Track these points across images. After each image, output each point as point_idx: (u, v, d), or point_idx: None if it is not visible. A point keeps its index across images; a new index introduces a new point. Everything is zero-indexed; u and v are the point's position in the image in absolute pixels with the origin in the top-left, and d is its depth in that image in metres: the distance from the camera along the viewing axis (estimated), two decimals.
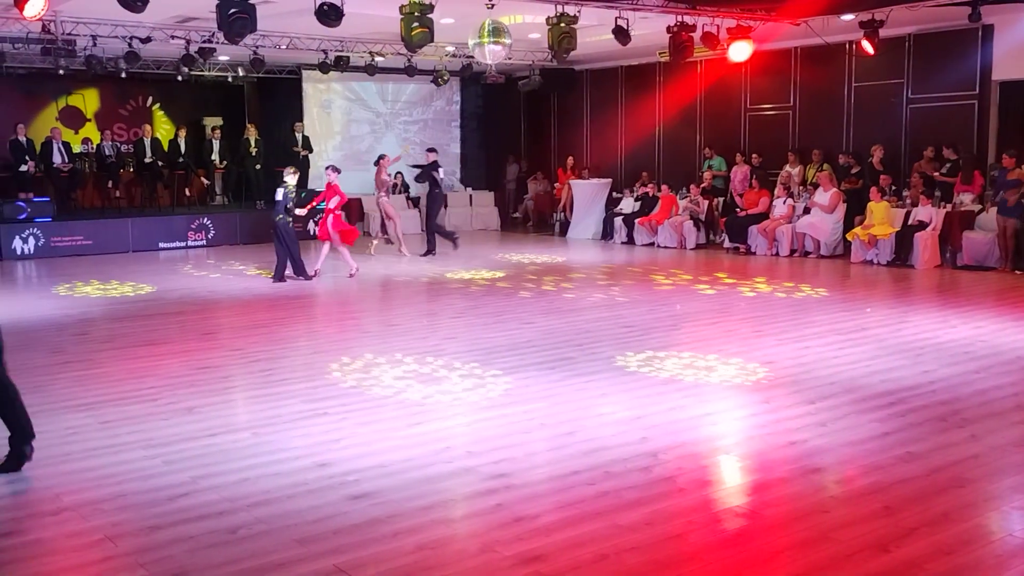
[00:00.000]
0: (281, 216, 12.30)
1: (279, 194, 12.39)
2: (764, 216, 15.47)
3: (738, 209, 15.98)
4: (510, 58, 14.67)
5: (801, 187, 15.76)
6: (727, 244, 15.92)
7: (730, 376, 7.34)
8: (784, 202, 15.30)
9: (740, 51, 13.73)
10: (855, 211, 14.64)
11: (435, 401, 6.63)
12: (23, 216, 15.61)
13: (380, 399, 6.70)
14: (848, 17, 13.65)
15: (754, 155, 16.73)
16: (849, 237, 14.26)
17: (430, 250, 15.40)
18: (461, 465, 5.30)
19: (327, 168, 13.44)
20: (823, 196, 14.73)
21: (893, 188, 14.52)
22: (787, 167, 16.11)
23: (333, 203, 12.88)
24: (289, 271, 12.54)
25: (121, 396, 6.82)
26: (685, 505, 4.75)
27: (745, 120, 17.56)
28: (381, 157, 15.49)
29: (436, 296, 11.37)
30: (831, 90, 16.12)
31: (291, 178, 12.55)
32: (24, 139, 17.02)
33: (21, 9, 9.18)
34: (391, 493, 4.86)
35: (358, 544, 4.26)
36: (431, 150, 16.10)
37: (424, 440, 5.75)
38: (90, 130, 19.73)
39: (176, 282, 12.66)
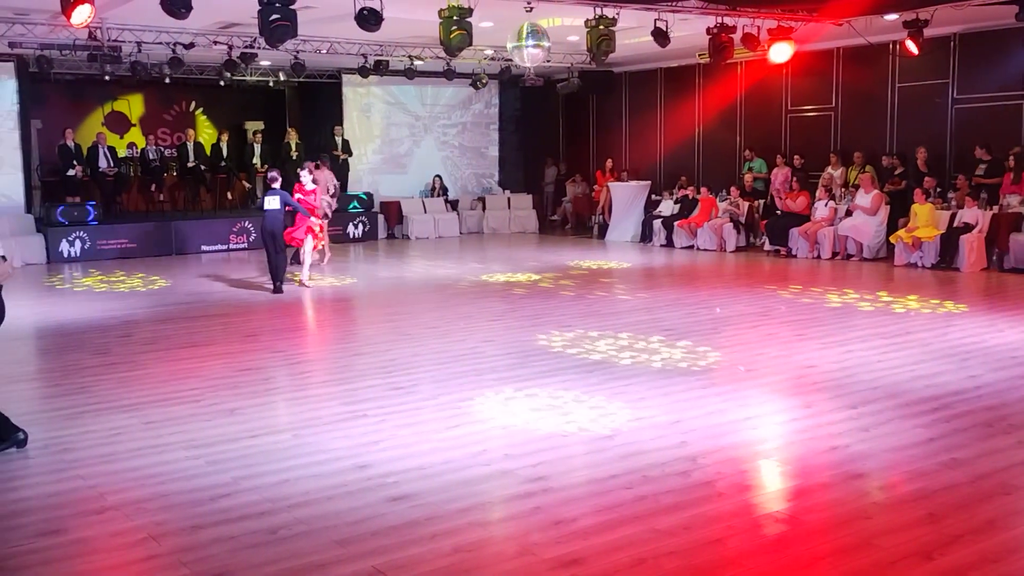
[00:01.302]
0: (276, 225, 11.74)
1: (274, 201, 11.63)
2: (805, 218, 15.31)
3: (778, 211, 15.83)
4: (549, 61, 14.67)
5: (843, 189, 15.58)
6: (767, 247, 15.78)
7: (770, 380, 7.27)
8: (826, 204, 15.13)
9: (781, 52, 13.61)
10: (899, 213, 14.43)
11: (473, 404, 6.64)
12: (70, 220, 15.90)
13: (419, 401, 6.72)
14: (892, 17, 13.47)
15: (795, 157, 16.57)
16: (892, 240, 14.06)
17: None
18: (499, 468, 5.30)
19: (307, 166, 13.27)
20: (865, 198, 14.54)
21: (938, 190, 14.29)
22: (829, 169, 15.92)
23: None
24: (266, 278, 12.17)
25: (164, 397, 6.91)
26: (724, 510, 4.71)
27: (786, 121, 17.39)
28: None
29: (473, 299, 11.39)
30: (874, 91, 15.91)
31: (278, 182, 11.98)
32: (72, 144, 17.34)
33: (68, 17, 9.35)
34: (429, 495, 4.87)
35: (396, 546, 4.28)
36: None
37: (462, 443, 5.76)
38: (135, 135, 20.05)
39: (217, 284, 12.80)
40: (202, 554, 4.21)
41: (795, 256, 15.08)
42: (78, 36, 13.59)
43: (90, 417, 6.40)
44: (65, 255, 15.62)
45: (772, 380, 7.29)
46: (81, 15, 9.26)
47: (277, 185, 11.77)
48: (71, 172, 17.08)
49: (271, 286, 11.93)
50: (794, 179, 16.07)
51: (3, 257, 5.84)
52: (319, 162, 15.03)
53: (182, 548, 4.28)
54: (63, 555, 4.27)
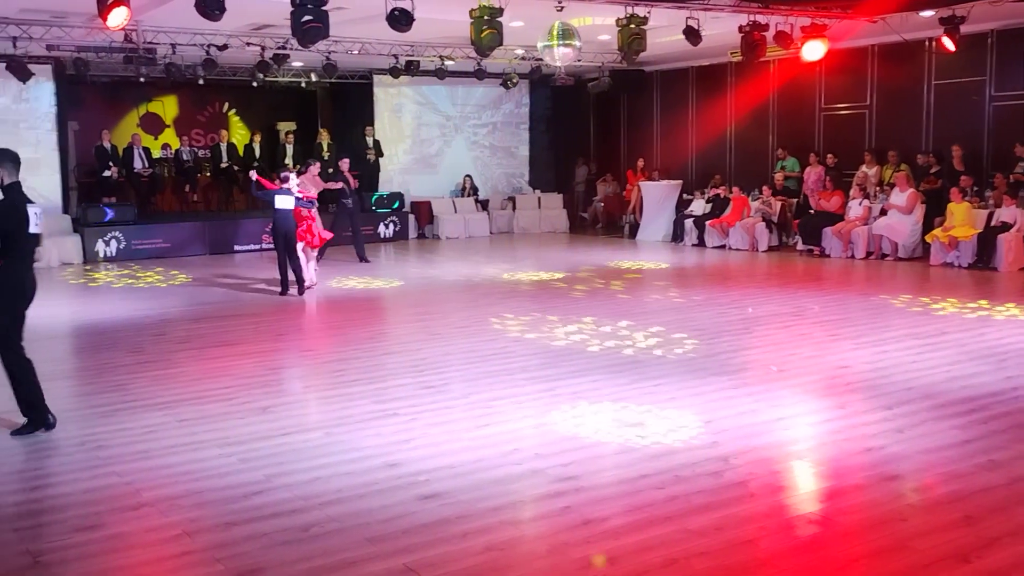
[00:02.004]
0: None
1: (288, 200, 11.53)
2: (839, 218, 15.16)
3: (811, 210, 15.69)
4: (579, 60, 14.65)
5: (878, 188, 15.41)
6: (800, 246, 15.64)
7: (803, 380, 7.20)
8: (860, 203, 14.97)
9: (814, 50, 13.48)
10: (935, 212, 14.25)
11: (504, 403, 6.64)
12: (106, 220, 16.11)
13: (450, 400, 6.73)
14: (928, 13, 13.29)
15: (829, 155, 16.41)
16: (928, 239, 13.88)
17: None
18: (530, 467, 5.30)
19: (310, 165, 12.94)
20: (900, 197, 14.37)
21: (975, 188, 14.09)
22: (863, 167, 15.76)
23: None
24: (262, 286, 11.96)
25: (198, 395, 6.98)
26: (756, 511, 4.68)
27: (819, 120, 17.23)
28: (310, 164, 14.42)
29: (504, 298, 11.39)
30: (909, 88, 15.72)
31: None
32: (108, 145, 17.57)
33: (105, 19, 9.47)
34: (460, 494, 4.88)
35: (427, 544, 4.29)
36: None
37: (493, 442, 5.76)
38: (169, 136, 20.28)
39: (250, 283, 12.91)
40: (235, 551, 4.25)
41: (828, 256, 14.93)
42: (114, 39, 13.76)
43: (125, 414, 6.48)
44: (101, 255, 15.82)
45: (805, 380, 7.23)
46: (117, 18, 9.37)
47: (290, 184, 11.68)
48: (107, 173, 17.31)
49: (294, 289, 11.67)
50: (827, 178, 15.92)
51: None
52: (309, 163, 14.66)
53: (216, 544, 4.32)
54: (100, 550, 4.33)
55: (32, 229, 5.87)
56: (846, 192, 15.43)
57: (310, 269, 12.25)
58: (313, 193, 12.72)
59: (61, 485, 5.19)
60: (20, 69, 14.37)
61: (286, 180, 11.69)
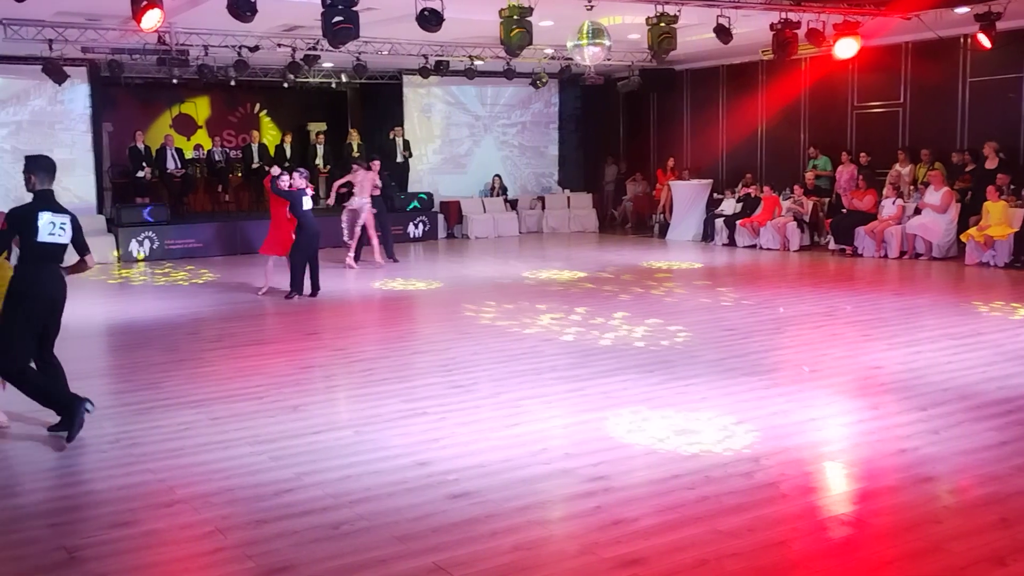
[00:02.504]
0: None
1: (310, 201, 11.59)
2: (871, 217, 15.00)
3: (843, 209, 15.54)
4: (609, 59, 14.61)
5: (911, 187, 15.23)
6: (832, 246, 15.50)
7: (836, 381, 7.13)
8: (893, 202, 14.80)
9: (847, 48, 13.33)
10: (970, 211, 14.06)
11: (533, 403, 6.63)
12: (140, 220, 16.30)
13: (478, 400, 6.74)
14: (963, 10, 13.12)
15: (862, 154, 16.24)
16: (963, 238, 13.70)
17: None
18: (559, 467, 5.29)
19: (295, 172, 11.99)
20: (934, 196, 14.20)
21: (1011, 187, 13.89)
22: (896, 166, 15.58)
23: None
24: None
25: (230, 393, 7.04)
26: (788, 512, 4.64)
27: (852, 118, 17.05)
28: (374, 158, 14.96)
29: (533, 298, 11.38)
30: (944, 86, 15.52)
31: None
32: (142, 146, 17.77)
33: (139, 22, 9.58)
34: (489, 493, 4.88)
35: (456, 543, 4.29)
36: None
37: (522, 441, 5.76)
38: (201, 137, 20.46)
39: (281, 283, 12.98)
40: (266, 548, 4.28)
41: (861, 255, 14.78)
42: (148, 41, 13.92)
43: (159, 412, 6.55)
44: (135, 254, 16.00)
45: (838, 381, 7.16)
46: (151, 20, 9.47)
47: (306, 184, 11.62)
48: (140, 174, 17.50)
49: (306, 292, 11.56)
50: (860, 177, 15.76)
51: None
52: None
53: (247, 542, 4.36)
54: (134, 546, 4.38)
55: (42, 237, 5.77)
56: (879, 191, 15.27)
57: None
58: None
59: (96, 481, 5.26)
60: (56, 71, 14.57)
61: (304, 178, 11.64)
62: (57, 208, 5.91)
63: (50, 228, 5.81)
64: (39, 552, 4.30)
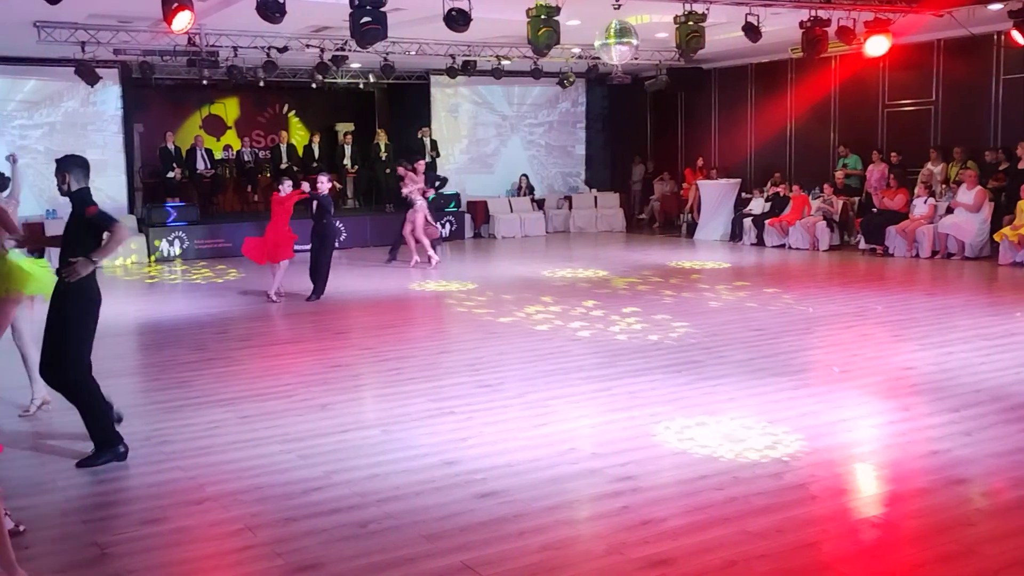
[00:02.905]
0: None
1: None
2: (903, 216, 14.84)
3: (874, 209, 15.39)
4: (637, 58, 14.55)
5: (943, 186, 15.05)
6: (863, 245, 15.35)
7: (866, 382, 7.07)
8: (925, 201, 14.64)
9: (878, 45, 13.19)
10: (1003, 211, 13.87)
11: (560, 402, 6.63)
12: (170, 220, 16.46)
13: (506, 399, 6.74)
14: (996, 7, 12.94)
15: (892, 153, 16.07)
16: (997, 238, 13.52)
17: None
18: (587, 466, 5.28)
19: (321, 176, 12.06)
20: (967, 195, 14.02)
21: None
22: (928, 165, 15.40)
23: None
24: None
25: (259, 392, 7.09)
26: (818, 513, 4.60)
27: (883, 116, 16.88)
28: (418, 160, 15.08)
29: (560, 297, 11.37)
30: (977, 83, 15.33)
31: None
32: (172, 147, 17.95)
33: (169, 23, 9.66)
34: (517, 492, 4.88)
35: (484, 542, 4.29)
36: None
37: (550, 441, 5.75)
38: (230, 137, 20.63)
39: (309, 282, 13.04)
40: (295, 546, 4.30)
41: (892, 255, 14.63)
42: (178, 42, 14.04)
43: (189, 411, 6.61)
44: (165, 254, 16.16)
45: (868, 381, 7.09)
46: (181, 22, 9.54)
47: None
48: (170, 174, 17.67)
49: (313, 292, 11.52)
50: (891, 176, 15.60)
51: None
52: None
53: (276, 539, 4.38)
54: (164, 543, 4.42)
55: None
56: (910, 190, 15.11)
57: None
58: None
59: (128, 479, 5.31)
60: (88, 73, 14.74)
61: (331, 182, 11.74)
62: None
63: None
64: (72, 548, 4.35)
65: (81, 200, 5.52)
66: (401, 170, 14.60)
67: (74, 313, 5.45)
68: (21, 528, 4.43)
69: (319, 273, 11.55)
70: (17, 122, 16.50)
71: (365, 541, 4.35)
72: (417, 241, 14.48)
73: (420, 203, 14.37)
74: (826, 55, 14.72)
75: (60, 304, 5.47)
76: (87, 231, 5.47)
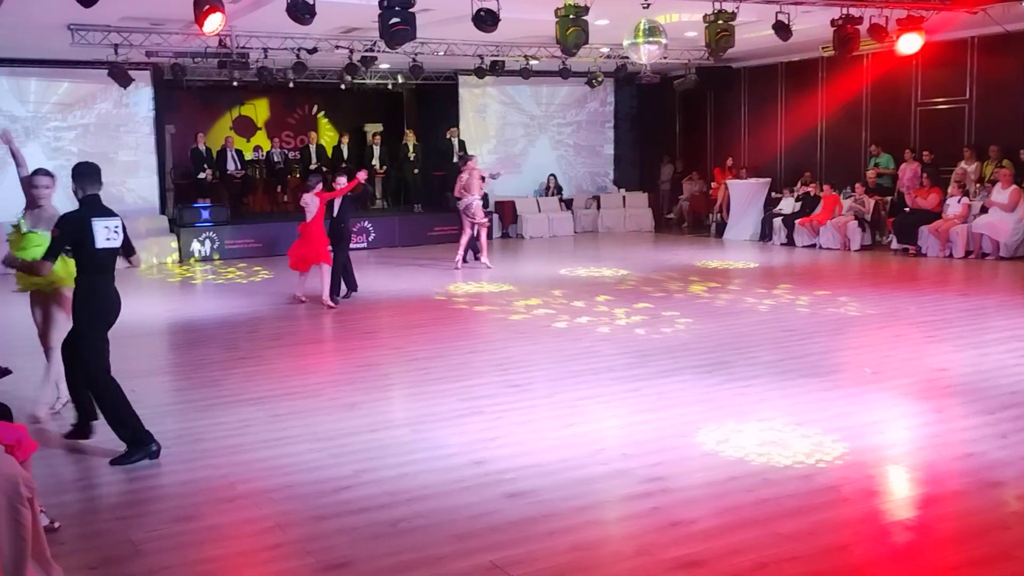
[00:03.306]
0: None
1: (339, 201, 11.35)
2: (936, 216, 14.67)
3: (906, 208, 15.22)
4: (665, 57, 14.48)
5: (978, 185, 14.86)
6: (895, 245, 15.19)
7: (899, 383, 6.99)
8: (958, 201, 14.46)
9: (910, 43, 13.05)
10: None
11: (589, 403, 6.61)
12: (201, 221, 16.62)
13: (535, 399, 6.74)
14: None
15: (925, 152, 15.89)
16: None
17: None
18: (616, 467, 5.27)
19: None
20: (1002, 194, 13.84)
21: None
22: (962, 164, 15.21)
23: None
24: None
25: (289, 391, 7.14)
26: (850, 516, 4.56)
27: (915, 115, 16.69)
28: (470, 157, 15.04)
29: (588, 297, 11.35)
30: (1013, 81, 15.10)
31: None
32: (203, 148, 18.11)
33: (201, 26, 9.75)
34: (547, 492, 4.88)
35: (514, 541, 4.29)
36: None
37: (579, 441, 5.74)
38: (260, 138, 20.78)
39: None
40: (325, 544, 4.33)
41: (924, 255, 14.47)
42: (209, 44, 14.16)
43: (220, 409, 6.67)
44: (196, 254, 16.31)
45: (901, 383, 7.01)
46: (213, 24, 9.63)
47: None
48: (201, 175, 17.83)
49: (341, 296, 11.36)
50: (924, 175, 15.43)
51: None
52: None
53: (307, 537, 4.41)
54: (196, 540, 4.46)
55: (100, 244, 5.52)
56: (944, 189, 14.93)
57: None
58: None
59: (160, 476, 5.36)
60: (121, 75, 14.90)
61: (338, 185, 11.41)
62: (106, 212, 5.66)
63: (105, 233, 5.56)
64: (106, 544, 4.40)
65: (86, 204, 5.64)
66: (483, 171, 14.55)
67: (81, 314, 5.66)
68: (56, 525, 4.50)
69: (348, 272, 11.58)
70: (52, 124, 16.71)
71: (395, 540, 4.36)
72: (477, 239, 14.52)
73: (476, 200, 14.34)
74: (858, 53, 14.58)
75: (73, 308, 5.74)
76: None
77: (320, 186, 11.40)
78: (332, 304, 10.90)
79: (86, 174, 5.68)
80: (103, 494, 5.06)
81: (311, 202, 10.98)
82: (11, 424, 4.49)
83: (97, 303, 5.63)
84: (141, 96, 17.26)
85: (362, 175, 11.89)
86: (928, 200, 14.93)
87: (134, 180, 17.06)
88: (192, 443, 5.91)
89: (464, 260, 14.54)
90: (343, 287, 11.57)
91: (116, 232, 5.62)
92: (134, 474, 5.38)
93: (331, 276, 11.13)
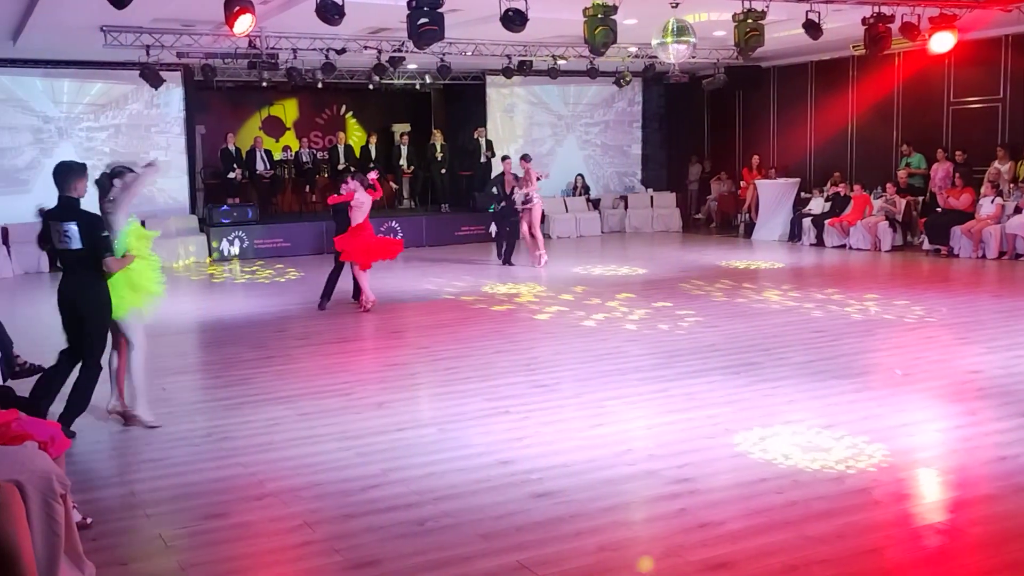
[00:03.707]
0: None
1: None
2: (968, 216, 14.49)
3: (938, 208, 15.05)
4: (694, 57, 14.40)
5: (1011, 185, 14.66)
6: (926, 246, 15.02)
7: (930, 385, 6.91)
8: (992, 201, 14.27)
9: (943, 42, 12.89)
10: None
11: (616, 403, 6.59)
12: (230, 220, 16.75)
13: (562, 399, 6.73)
14: None
15: (958, 151, 15.70)
16: None
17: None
18: (643, 468, 5.24)
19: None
20: None
21: None
22: (996, 163, 15.01)
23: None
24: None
25: (317, 390, 7.17)
26: (880, 519, 4.51)
27: (948, 114, 16.50)
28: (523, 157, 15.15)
29: (616, 297, 11.31)
30: None
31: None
32: (233, 148, 18.26)
33: (231, 27, 9.82)
34: (574, 493, 4.87)
35: (540, 542, 4.29)
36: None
37: (606, 442, 5.73)
38: (289, 138, 20.90)
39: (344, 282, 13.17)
40: (353, 542, 4.34)
41: (957, 256, 14.30)
42: (239, 45, 14.27)
43: (249, 408, 6.71)
44: (226, 253, 16.45)
45: (932, 385, 6.93)
46: (243, 25, 9.70)
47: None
48: (231, 175, 17.97)
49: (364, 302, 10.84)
50: (956, 175, 15.24)
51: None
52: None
53: (335, 535, 4.43)
54: (226, 537, 4.49)
55: (56, 245, 5.89)
56: (976, 189, 14.75)
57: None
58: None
59: (190, 474, 5.41)
60: (153, 76, 15.05)
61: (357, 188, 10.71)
62: (61, 215, 5.82)
63: (57, 236, 5.83)
64: (137, 541, 4.45)
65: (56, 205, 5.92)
66: (530, 168, 14.64)
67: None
68: (88, 521, 4.55)
69: (357, 279, 11.37)
70: (84, 124, 16.91)
71: (422, 539, 4.37)
72: (533, 237, 14.58)
73: (537, 201, 14.52)
74: (889, 52, 14.43)
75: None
76: None
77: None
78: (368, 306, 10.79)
79: (56, 174, 5.88)
80: (134, 491, 5.11)
81: (365, 200, 10.71)
82: (44, 421, 4.55)
83: (105, 299, 5.98)
84: (172, 96, 17.43)
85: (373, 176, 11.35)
86: (961, 200, 14.75)
87: (164, 180, 17.20)
88: (221, 441, 5.95)
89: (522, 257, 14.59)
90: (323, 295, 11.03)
91: (67, 236, 5.81)
92: (164, 472, 5.43)
93: (329, 281, 10.87)
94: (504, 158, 15.83)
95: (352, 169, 19.03)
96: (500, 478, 5.12)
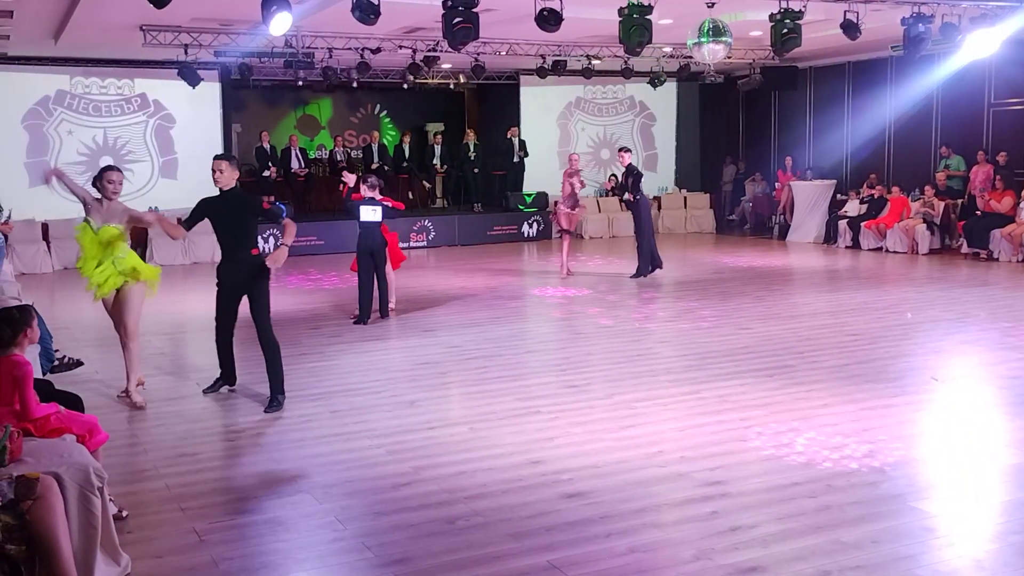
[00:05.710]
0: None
1: (376, 212, 10.13)
2: (1009, 220, 14.26)
3: (977, 211, 14.83)
4: (729, 57, 14.31)
5: None
6: (965, 249, 14.81)
7: (968, 390, 6.81)
8: None
9: (984, 42, 12.70)
10: None
11: (648, 404, 6.56)
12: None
13: (592, 400, 6.71)
14: None
15: (999, 154, 15.46)
16: None
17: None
18: (674, 470, 5.22)
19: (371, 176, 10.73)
20: None
21: None
22: None
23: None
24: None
25: (349, 387, 7.21)
26: (915, 524, 4.45)
27: (988, 116, 16.25)
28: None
29: (648, 300, 11.27)
30: None
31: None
32: (268, 146, 18.41)
33: (269, 26, 9.89)
34: (604, 494, 4.85)
35: (571, 542, 4.28)
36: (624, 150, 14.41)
37: (637, 443, 5.71)
38: (324, 137, 21.05)
39: (397, 280, 13.22)
40: (384, 539, 4.36)
41: (996, 260, 14.08)
42: (275, 44, 14.39)
43: (284, 404, 6.75)
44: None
45: (970, 390, 6.84)
46: (280, 24, 9.77)
47: (377, 193, 10.29)
48: (266, 173, 18.12)
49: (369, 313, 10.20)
50: (997, 177, 15.01)
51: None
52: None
53: (366, 532, 4.45)
54: (258, 532, 4.53)
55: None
56: (1017, 193, 14.51)
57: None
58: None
59: (224, 469, 5.46)
60: (190, 74, 15.22)
61: (374, 188, 10.26)
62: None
63: None
64: (171, 534, 4.49)
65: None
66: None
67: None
68: (124, 514, 4.61)
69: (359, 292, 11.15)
70: (121, 122, 17.12)
71: (452, 537, 4.38)
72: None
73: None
74: (928, 52, 14.25)
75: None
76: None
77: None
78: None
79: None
80: (169, 485, 5.16)
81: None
82: (83, 415, 4.62)
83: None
84: (210, 95, 17.60)
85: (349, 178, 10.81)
86: (1001, 203, 14.53)
87: (200, 177, 17.35)
88: (255, 437, 6.01)
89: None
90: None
91: None
92: (199, 466, 5.49)
93: (364, 294, 10.22)
94: (625, 149, 14.52)
95: (386, 168, 19.18)
96: (531, 478, 5.12)
